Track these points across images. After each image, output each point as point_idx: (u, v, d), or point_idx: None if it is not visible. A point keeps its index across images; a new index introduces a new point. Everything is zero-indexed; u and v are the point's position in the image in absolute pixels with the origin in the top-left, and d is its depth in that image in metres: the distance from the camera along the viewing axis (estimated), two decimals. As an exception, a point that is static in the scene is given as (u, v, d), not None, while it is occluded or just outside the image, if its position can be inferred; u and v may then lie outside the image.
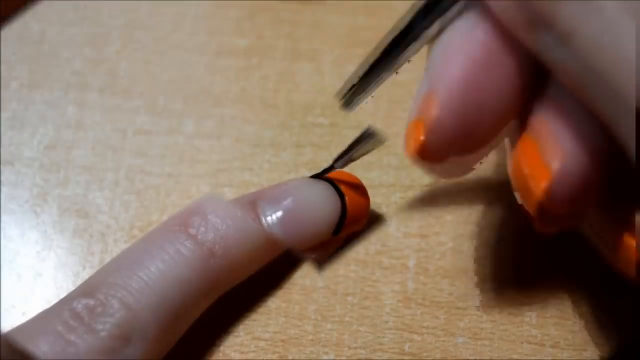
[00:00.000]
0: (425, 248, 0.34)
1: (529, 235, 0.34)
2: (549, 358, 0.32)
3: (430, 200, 0.35)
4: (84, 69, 0.39)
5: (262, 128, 0.37)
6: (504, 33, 0.24)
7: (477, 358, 0.32)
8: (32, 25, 0.40)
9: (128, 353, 0.27)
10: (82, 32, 0.40)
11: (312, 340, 0.32)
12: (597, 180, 0.25)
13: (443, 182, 0.35)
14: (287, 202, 0.31)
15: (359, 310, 0.33)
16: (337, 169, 0.32)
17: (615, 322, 0.32)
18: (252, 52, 0.39)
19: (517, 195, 0.26)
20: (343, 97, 0.29)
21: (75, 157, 0.37)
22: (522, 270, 0.33)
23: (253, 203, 0.32)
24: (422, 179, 0.35)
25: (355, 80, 0.29)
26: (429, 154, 0.26)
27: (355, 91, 0.29)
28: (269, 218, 0.31)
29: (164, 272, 0.29)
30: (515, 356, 0.32)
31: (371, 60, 0.29)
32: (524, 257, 0.34)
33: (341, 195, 0.32)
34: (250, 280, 0.32)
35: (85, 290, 0.29)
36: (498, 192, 0.35)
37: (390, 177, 0.36)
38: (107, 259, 0.34)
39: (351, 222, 0.32)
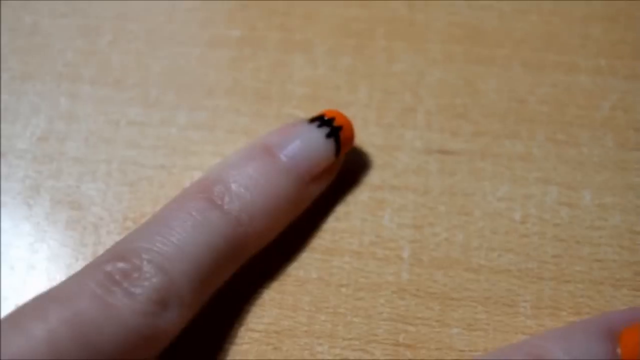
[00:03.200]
0: (420, 239, 0.34)
1: (523, 226, 0.34)
2: (544, 348, 0.32)
3: (423, 191, 0.35)
4: (76, 60, 0.39)
5: (256, 119, 0.37)
6: None
7: (472, 349, 0.32)
8: (24, 17, 0.40)
9: (167, 317, 0.28)
10: (74, 23, 0.40)
11: (306, 331, 0.32)
12: None
13: (435, 178, 0.35)
14: (297, 142, 0.33)
15: (353, 301, 0.33)
16: None
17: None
18: (245, 43, 0.39)
19: None
20: None
21: (68, 149, 0.36)
22: (516, 261, 0.33)
23: (268, 148, 0.32)
24: (414, 172, 0.35)
25: None
26: None
27: None
28: (286, 157, 0.32)
29: (196, 238, 0.29)
30: (509, 347, 0.32)
31: None
32: (518, 248, 0.34)
33: (332, 125, 0.33)
34: (243, 271, 0.32)
35: (117, 254, 0.28)
36: (492, 183, 0.35)
37: (385, 172, 0.36)
38: (100, 250, 0.34)
39: (345, 144, 0.34)
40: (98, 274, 0.28)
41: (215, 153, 0.36)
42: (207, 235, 0.29)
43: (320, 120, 0.34)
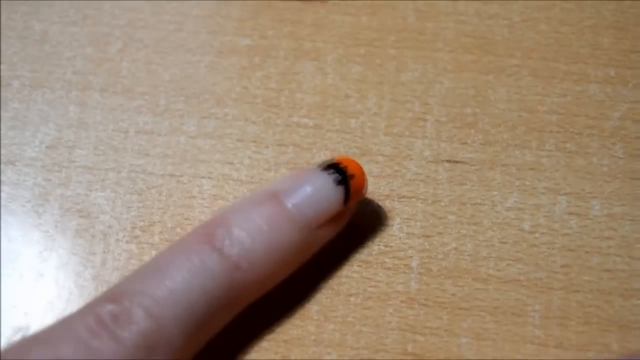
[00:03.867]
0: (429, 248, 0.34)
1: (532, 236, 0.34)
2: (553, 358, 0.32)
3: (432, 200, 0.35)
4: (86, 68, 0.39)
5: (265, 127, 0.37)
6: None
7: (481, 358, 0.32)
8: (33, 25, 0.40)
9: None
10: (83, 31, 0.40)
11: (314, 340, 0.32)
12: None
13: (444, 186, 0.35)
14: (305, 188, 0.32)
15: (362, 310, 0.33)
16: None
17: (620, 323, 0.32)
18: (255, 52, 0.39)
19: None
20: None
21: (77, 157, 0.36)
22: (525, 270, 0.33)
23: (275, 195, 0.32)
24: (424, 182, 0.35)
25: None
26: None
27: None
28: (292, 205, 0.31)
29: (190, 282, 0.29)
30: (518, 356, 0.32)
31: None
32: (527, 258, 0.34)
33: (343, 173, 0.32)
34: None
35: (110, 296, 0.28)
36: (501, 193, 0.35)
37: (395, 180, 0.36)
38: (109, 259, 0.34)
39: (355, 193, 0.33)
40: (88, 316, 0.28)
41: (224, 162, 0.36)
42: (202, 279, 0.29)
43: (332, 168, 0.33)
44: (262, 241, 0.30)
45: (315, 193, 0.32)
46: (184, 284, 0.29)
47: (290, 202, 0.31)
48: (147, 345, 0.27)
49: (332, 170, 0.32)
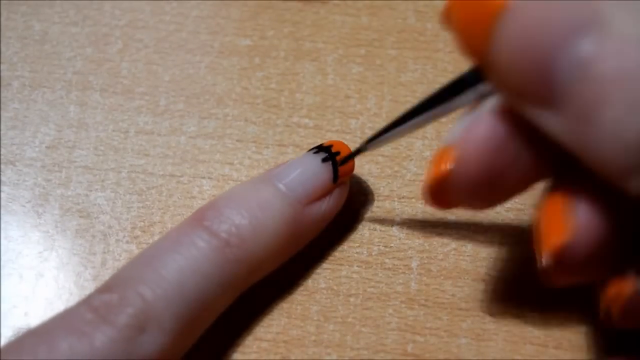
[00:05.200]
0: (428, 249, 0.34)
1: (532, 236, 0.34)
2: (552, 359, 0.32)
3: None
4: (86, 68, 0.39)
5: (265, 128, 0.37)
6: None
7: (480, 359, 0.32)
8: (34, 25, 0.40)
9: (143, 342, 0.27)
10: (83, 31, 0.40)
11: (314, 341, 0.32)
12: (612, 246, 0.25)
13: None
14: (294, 169, 0.32)
15: (362, 311, 0.33)
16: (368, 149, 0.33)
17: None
18: (255, 52, 0.39)
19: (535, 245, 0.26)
20: (368, 142, 0.32)
21: (77, 157, 0.37)
22: (524, 271, 0.33)
23: (266, 179, 0.32)
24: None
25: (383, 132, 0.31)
26: (449, 188, 0.26)
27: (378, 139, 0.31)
28: (281, 183, 0.32)
29: (180, 263, 0.29)
30: (518, 357, 0.32)
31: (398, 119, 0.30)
32: (526, 258, 0.34)
33: (329, 151, 0.33)
34: (252, 280, 0.32)
35: (103, 288, 0.29)
36: (501, 193, 0.35)
37: (394, 180, 0.36)
38: (109, 259, 0.34)
39: (342, 169, 0.33)
40: (82, 307, 0.28)
41: (224, 162, 0.36)
42: (193, 259, 0.29)
43: (318, 148, 0.33)
44: (251, 217, 0.31)
45: (304, 172, 0.32)
46: (173, 264, 0.29)
47: (280, 183, 0.32)
48: (136, 324, 0.27)
49: (317, 150, 0.33)
